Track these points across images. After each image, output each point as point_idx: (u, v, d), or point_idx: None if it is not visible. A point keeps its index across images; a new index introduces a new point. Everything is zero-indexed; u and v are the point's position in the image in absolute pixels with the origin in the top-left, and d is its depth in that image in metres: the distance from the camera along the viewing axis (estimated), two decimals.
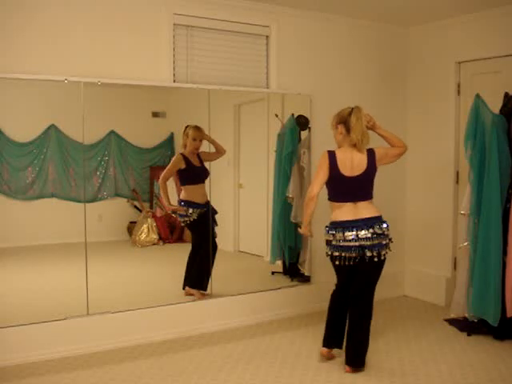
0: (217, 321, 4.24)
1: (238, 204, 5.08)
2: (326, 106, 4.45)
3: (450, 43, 4.81)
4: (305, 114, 4.67)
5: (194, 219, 4.40)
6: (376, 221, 3.32)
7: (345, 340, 3.47)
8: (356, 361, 3.40)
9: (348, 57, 4.91)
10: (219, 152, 4.54)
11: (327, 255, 3.44)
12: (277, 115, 4.73)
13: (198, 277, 4.39)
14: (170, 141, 5.00)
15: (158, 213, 5.11)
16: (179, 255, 4.46)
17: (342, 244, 3.30)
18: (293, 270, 4.81)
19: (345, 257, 3.32)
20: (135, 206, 5.03)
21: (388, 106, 5.12)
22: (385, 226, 3.34)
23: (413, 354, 3.75)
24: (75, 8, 3.71)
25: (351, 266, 3.34)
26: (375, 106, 4.91)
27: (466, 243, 4.06)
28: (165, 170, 4.43)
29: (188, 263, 4.43)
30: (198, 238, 4.48)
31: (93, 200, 4.63)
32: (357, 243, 3.27)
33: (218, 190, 4.53)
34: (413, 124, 5.23)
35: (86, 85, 3.71)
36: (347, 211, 3.32)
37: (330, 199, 3.43)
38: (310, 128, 4.68)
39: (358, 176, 3.33)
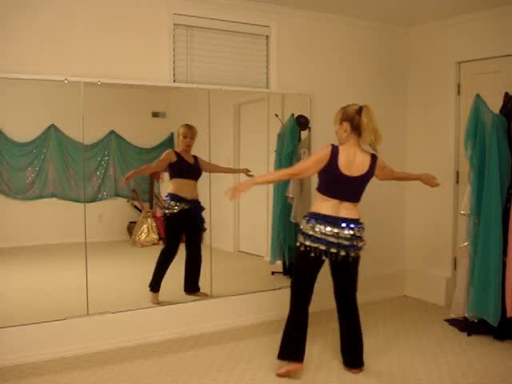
0: (217, 321, 4.24)
1: (238, 204, 5.07)
2: (326, 106, 4.44)
3: (450, 43, 4.82)
4: (305, 114, 4.66)
5: (174, 213, 4.33)
6: (356, 223, 3.30)
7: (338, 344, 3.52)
8: (361, 361, 3.45)
9: (348, 57, 4.91)
10: (214, 170, 4.50)
11: (301, 245, 3.30)
12: (277, 115, 4.73)
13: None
14: (170, 141, 4.99)
15: (158, 213, 5.10)
16: (179, 255, 4.45)
17: (320, 237, 3.23)
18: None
19: (321, 250, 3.24)
20: (135, 206, 5.02)
21: (388, 105, 5.12)
22: (361, 228, 3.33)
23: (413, 354, 3.75)
24: (75, 8, 3.71)
25: (321, 261, 3.30)
26: (375, 106, 4.87)
27: (466, 243, 4.07)
28: (154, 162, 4.46)
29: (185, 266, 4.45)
30: (170, 235, 4.47)
31: (93, 200, 4.62)
32: (335, 240, 3.23)
33: (217, 189, 4.53)
34: (413, 124, 5.23)
35: (86, 85, 3.71)
36: (331, 206, 3.27)
37: (318, 190, 3.36)
38: (309, 128, 4.68)
39: (356, 177, 3.29)
